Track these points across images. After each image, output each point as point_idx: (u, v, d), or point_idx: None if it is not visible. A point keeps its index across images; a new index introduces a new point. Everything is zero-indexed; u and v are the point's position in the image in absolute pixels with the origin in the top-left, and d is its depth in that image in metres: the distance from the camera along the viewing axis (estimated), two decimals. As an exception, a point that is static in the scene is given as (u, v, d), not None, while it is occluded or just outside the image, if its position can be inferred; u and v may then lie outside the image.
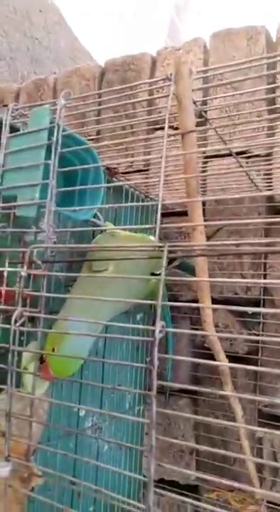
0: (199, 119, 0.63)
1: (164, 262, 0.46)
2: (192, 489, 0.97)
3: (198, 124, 0.65)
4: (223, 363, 0.62)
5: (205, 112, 0.66)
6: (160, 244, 0.47)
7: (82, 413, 0.84)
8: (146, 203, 0.84)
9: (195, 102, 0.50)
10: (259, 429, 0.39)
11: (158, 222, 0.50)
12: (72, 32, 2.74)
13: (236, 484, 0.41)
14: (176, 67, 0.47)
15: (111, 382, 0.89)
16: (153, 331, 0.44)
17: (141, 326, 0.66)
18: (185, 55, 0.89)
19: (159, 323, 0.44)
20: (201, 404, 0.99)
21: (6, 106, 1.25)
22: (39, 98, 1.22)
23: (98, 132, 0.94)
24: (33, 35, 2.50)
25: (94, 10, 2.92)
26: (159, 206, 0.49)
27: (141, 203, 0.78)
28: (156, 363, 0.43)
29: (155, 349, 0.43)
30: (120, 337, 0.81)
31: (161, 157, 0.49)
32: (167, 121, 0.49)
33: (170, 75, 0.50)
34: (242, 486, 0.44)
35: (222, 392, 0.65)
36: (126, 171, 1.05)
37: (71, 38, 2.75)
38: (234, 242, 0.57)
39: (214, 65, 1.01)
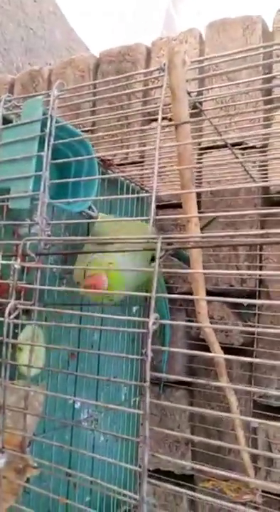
0: (193, 110, 0.63)
1: (158, 254, 0.46)
2: (187, 479, 0.97)
3: (193, 115, 0.65)
4: (218, 354, 0.62)
5: (200, 103, 0.66)
6: (154, 236, 0.47)
7: (77, 405, 0.84)
8: (140, 195, 0.84)
9: (189, 93, 0.50)
10: (254, 419, 0.39)
11: (153, 213, 0.50)
12: (68, 22, 2.71)
13: (232, 475, 0.41)
14: (169, 57, 0.47)
15: (106, 374, 0.89)
16: (147, 323, 0.44)
17: (135, 318, 0.66)
18: (179, 45, 0.88)
19: (153, 315, 0.44)
20: (197, 395, 0.99)
21: (0, 97, 1.22)
22: (33, 89, 1.21)
23: (93, 123, 0.93)
24: (27, 26, 2.47)
25: (89, 0, 2.89)
26: (153, 198, 0.49)
27: (135, 195, 0.78)
28: (150, 354, 0.43)
29: (149, 341, 0.43)
30: (115, 329, 0.81)
31: (155, 149, 0.48)
32: (161, 112, 0.48)
33: (164, 65, 0.50)
34: (237, 477, 0.44)
35: (217, 384, 0.65)
36: (121, 162, 1.04)
37: (66, 29, 2.72)
38: (229, 233, 0.57)
39: (210, 55, 1.00)
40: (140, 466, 0.44)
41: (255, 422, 0.87)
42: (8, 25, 2.43)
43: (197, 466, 0.43)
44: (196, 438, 0.48)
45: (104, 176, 0.80)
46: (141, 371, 0.98)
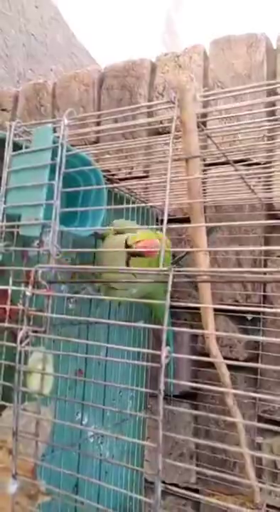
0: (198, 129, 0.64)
1: (169, 285, 0.47)
2: (192, 492, 0.98)
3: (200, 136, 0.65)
4: (225, 377, 0.63)
5: (204, 123, 0.66)
6: (166, 269, 0.48)
7: (84, 421, 0.85)
8: (146, 208, 0.85)
9: (199, 126, 0.51)
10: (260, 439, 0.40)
11: (165, 226, 0.51)
12: (69, 28, 2.71)
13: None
14: (180, 94, 0.47)
15: (113, 391, 0.90)
16: (159, 356, 0.45)
17: (146, 350, 0.67)
18: (187, 76, 0.89)
19: (165, 349, 0.45)
20: (201, 409, 1.00)
21: (4, 110, 1.25)
22: (38, 103, 1.22)
23: (98, 145, 0.94)
24: (28, 31, 2.47)
25: (90, 5, 2.89)
26: (165, 223, 0.50)
27: (140, 208, 0.79)
28: (162, 388, 0.44)
29: (162, 375, 0.44)
30: (125, 361, 0.82)
31: (165, 174, 0.49)
32: (171, 145, 0.49)
33: (174, 98, 0.51)
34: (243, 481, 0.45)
35: (227, 418, 0.66)
36: (126, 177, 1.05)
37: (67, 34, 2.72)
38: (237, 270, 0.57)
39: (214, 71, 1.01)
40: (146, 480, 0.45)
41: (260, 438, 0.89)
42: (9, 31, 2.43)
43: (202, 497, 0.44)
44: (201, 442, 0.49)
45: (111, 207, 0.81)
46: (146, 384, 0.99)
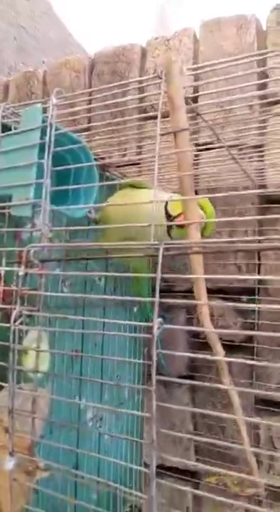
0: (190, 114, 0.64)
1: (160, 259, 0.47)
2: (191, 474, 0.99)
3: (190, 118, 0.65)
4: (220, 356, 0.63)
5: (194, 99, 0.66)
6: (156, 243, 0.48)
7: (82, 405, 0.85)
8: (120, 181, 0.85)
9: (186, 101, 0.51)
10: (256, 420, 0.40)
11: (153, 219, 0.51)
12: (60, 21, 2.70)
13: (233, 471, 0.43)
14: (167, 67, 0.48)
15: (110, 373, 0.90)
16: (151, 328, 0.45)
17: (139, 323, 0.67)
18: (175, 53, 0.89)
19: (157, 320, 0.45)
20: (199, 391, 1.01)
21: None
22: (29, 91, 1.22)
23: (89, 120, 0.94)
24: (19, 25, 2.46)
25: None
26: (154, 205, 0.50)
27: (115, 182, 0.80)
28: (155, 358, 0.44)
29: (154, 345, 0.44)
30: (119, 334, 0.83)
31: (154, 156, 0.49)
32: (159, 120, 0.49)
33: (161, 72, 0.51)
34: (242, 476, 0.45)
35: (220, 386, 0.66)
36: (119, 164, 1.05)
37: (58, 27, 2.71)
38: (229, 240, 0.58)
39: (204, 54, 1.01)
40: (145, 463, 0.45)
41: (257, 420, 0.89)
42: (0, 25, 2.42)
43: (200, 465, 0.44)
44: (200, 439, 0.50)
45: (103, 183, 0.81)
46: (144, 368, 0.99)
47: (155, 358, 0.44)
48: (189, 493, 1.00)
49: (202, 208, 0.68)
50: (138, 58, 1.09)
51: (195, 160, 0.92)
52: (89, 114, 0.90)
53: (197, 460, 1.00)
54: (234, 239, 0.48)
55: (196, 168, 0.92)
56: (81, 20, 2.81)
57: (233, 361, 0.89)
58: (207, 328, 0.59)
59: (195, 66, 0.57)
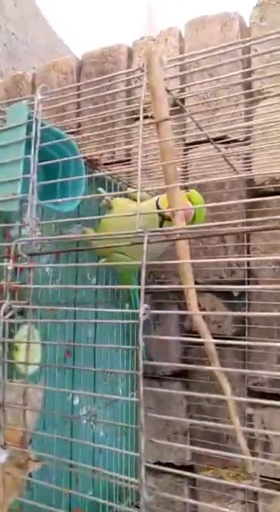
0: (175, 108, 0.64)
1: (145, 246, 0.48)
2: (187, 469, 0.99)
3: (175, 112, 0.66)
4: (209, 340, 0.64)
5: (181, 100, 0.67)
6: (141, 231, 0.48)
7: (75, 402, 0.85)
8: (125, 192, 0.86)
9: (168, 91, 0.51)
10: (246, 399, 0.41)
11: (139, 210, 0.52)
12: (49, 25, 2.71)
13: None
14: (147, 58, 0.48)
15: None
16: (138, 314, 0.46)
17: (125, 310, 0.68)
18: (156, 45, 0.90)
19: (143, 306, 0.46)
20: (192, 386, 1.01)
21: (-16, 103, 1.23)
22: (18, 94, 1.22)
23: (78, 124, 0.95)
24: (8, 30, 2.47)
25: (70, 2, 2.89)
26: (138, 194, 0.50)
27: (122, 192, 0.80)
28: (141, 343, 0.45)
29: (141, 331, 0.45)
30: (106, 322, 0.83)
31: (138, 147, 0.50)
32: (142, 111, 0.50)
33: (143, 65, 0.51)
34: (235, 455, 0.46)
35: (209, 368, 0.67)
36: (108, 162, 1.05)
37: (48, 31, 2.72)
38: (213, 224, 0.59)
39: (190, 52, 1.02)
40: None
41: (246, 401, 0.89)
42: (-11, 31, 2.43)
43: (196, 448, 0.45)
44: (193, 421, 0.50)
45: (91, 175, 0.82)
46: (137, 365, 1.00)
47: (142, 344, 0.45)
48: (185, 488, 1.00)
49: (190, 200, 0.69)
50: (125, 58, 1.10)
51: (183, 157, 0.93)
52: (77, 113, 0.91)
53: (193, 454, 1.00)
54: (216, 223, 0.48)
55: (185, 166, 0.93)
56: (70, 23, 2.82)
57: (224, 346, 0.89)
58: (196, 317, 0.59)
59: (180, 56, 0.58)
